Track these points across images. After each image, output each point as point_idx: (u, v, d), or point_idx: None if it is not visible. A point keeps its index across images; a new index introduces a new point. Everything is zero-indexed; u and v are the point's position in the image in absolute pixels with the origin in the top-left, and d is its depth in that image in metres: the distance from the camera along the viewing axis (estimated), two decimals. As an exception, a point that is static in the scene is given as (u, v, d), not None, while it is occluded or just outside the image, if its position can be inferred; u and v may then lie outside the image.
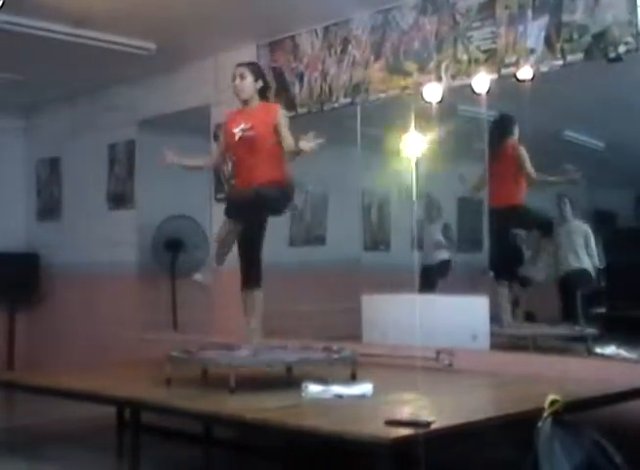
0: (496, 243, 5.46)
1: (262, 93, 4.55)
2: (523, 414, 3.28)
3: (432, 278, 6.23)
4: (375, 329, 5.36)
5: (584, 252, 5.80)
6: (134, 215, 7.42)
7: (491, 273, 5.55)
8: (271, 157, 4.39)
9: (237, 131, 4.44)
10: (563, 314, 5.62)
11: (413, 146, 5.99)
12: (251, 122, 4.41)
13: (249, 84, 4.48)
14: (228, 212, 4.45)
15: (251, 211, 4.36)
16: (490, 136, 5.33)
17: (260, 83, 4.53)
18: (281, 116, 4.45)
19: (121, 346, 6.60)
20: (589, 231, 5.82)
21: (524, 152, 5.49)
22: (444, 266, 6.38)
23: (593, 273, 5.80)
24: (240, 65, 4.59)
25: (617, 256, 5.71)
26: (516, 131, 5.56)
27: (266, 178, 4.33)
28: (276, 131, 4.38)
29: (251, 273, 4.51)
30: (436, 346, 4.83)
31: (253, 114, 4.47)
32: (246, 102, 4.52)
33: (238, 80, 4.50)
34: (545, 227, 5.79)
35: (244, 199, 4.37)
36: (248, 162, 4.43)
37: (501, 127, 5.52)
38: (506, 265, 5.55)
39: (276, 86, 6.09)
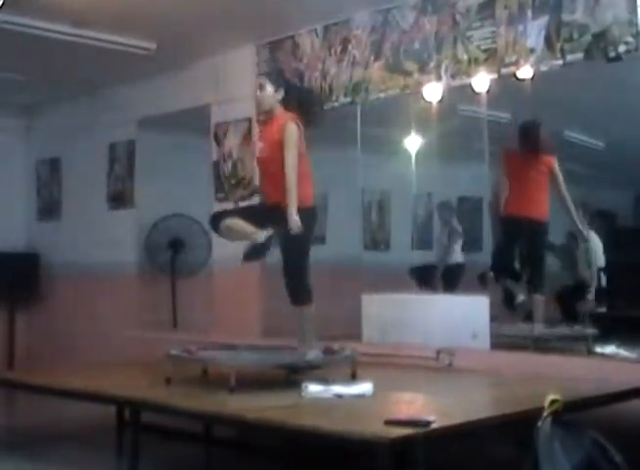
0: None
1: (286, 102, 4.39)
2: (522, 414, 3.28)
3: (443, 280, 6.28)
4: (375, 328, 5.36)
5: (595, 264, 5.82)
6: (134, 215, 7.42)
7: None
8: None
9: (257, 151, 4.47)
10: (563, 314, 5.62)
11: (413, 146, 6.01)
12: (264, 142, 4.40)
13: (268, 96, 4.39)
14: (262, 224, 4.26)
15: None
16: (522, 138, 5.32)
17: (281, 93, 4.39)
18: (288, 133, 4.21)
19: (121, 345, 6.59)
20: (600, 244, 5.83)
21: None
22: (458, 269, 6.38)
23: (595, 281, 5.83)
24: (261, 74, 4.58)
25: (617, 255, 5.72)
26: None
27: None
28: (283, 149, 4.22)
29: (300, 288, 4.39)
30: (436, 345, 4.83)
31: (269, 131, 4.40)
32: (267, 113, 4.47)
33: (259, 91, 4.45)
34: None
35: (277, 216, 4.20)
36: (274, 180, 4.28)
37: (535, 131, 5.41)
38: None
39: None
